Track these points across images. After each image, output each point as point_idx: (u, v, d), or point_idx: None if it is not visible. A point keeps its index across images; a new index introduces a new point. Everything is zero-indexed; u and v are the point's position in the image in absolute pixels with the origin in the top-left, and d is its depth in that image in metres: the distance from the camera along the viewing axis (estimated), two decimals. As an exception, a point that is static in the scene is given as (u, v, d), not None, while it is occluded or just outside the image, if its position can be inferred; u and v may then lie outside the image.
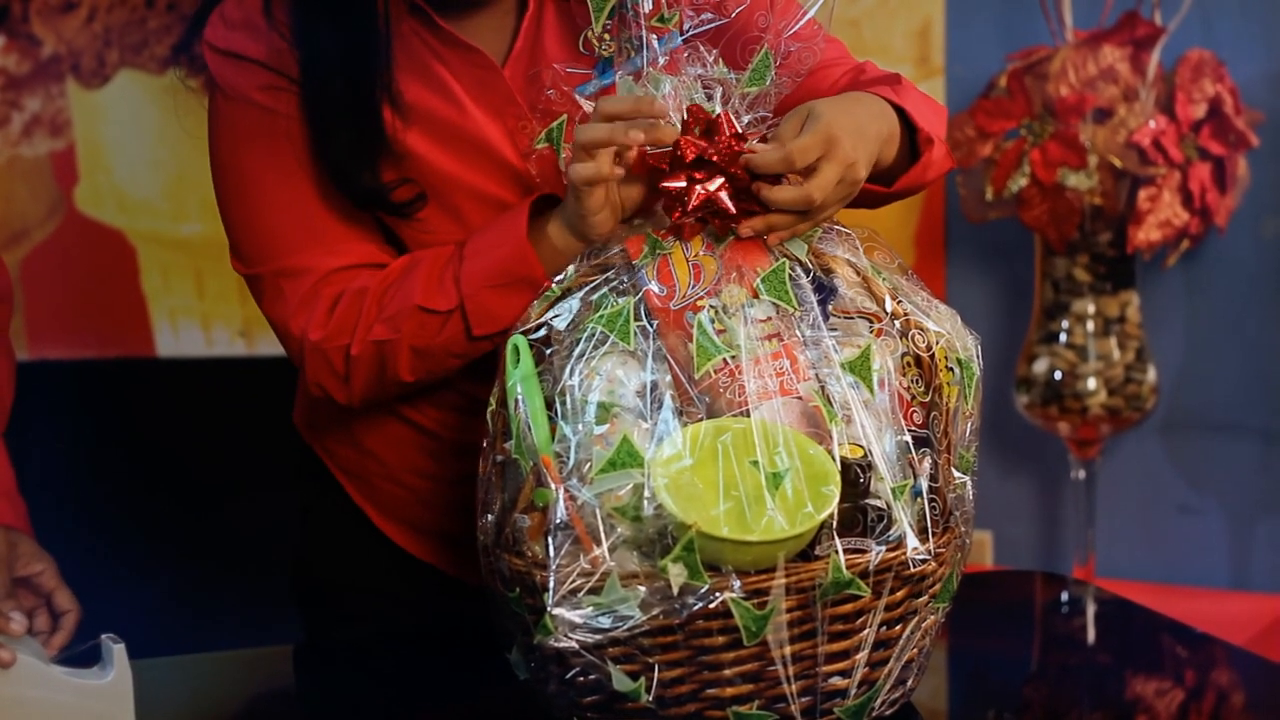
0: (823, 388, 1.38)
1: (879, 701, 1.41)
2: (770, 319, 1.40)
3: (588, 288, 1.43)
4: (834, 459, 1.34)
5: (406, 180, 1.61)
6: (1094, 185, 2.71)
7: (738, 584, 1.31)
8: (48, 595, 1.66)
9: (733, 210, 1.42)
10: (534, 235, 1.54)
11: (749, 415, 1.35)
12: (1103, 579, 2.86)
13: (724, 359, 1.37)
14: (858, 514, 1.35)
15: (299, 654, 1.80)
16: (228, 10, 1.62)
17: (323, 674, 1.72)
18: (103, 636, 1.52)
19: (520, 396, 1.38)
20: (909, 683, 1.44)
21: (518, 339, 1.41)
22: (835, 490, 1.33)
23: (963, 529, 1.43)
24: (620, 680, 1.34)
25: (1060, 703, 1.62)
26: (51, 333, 3.06)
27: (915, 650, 1.42)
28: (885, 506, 1.35)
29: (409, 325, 1.57)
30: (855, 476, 1.35)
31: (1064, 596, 1.99)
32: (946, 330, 1.42)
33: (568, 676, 1.36)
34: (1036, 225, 2.77)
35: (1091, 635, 1.85)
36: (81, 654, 1.63)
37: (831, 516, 1.32)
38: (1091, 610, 1.91)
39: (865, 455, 1.36)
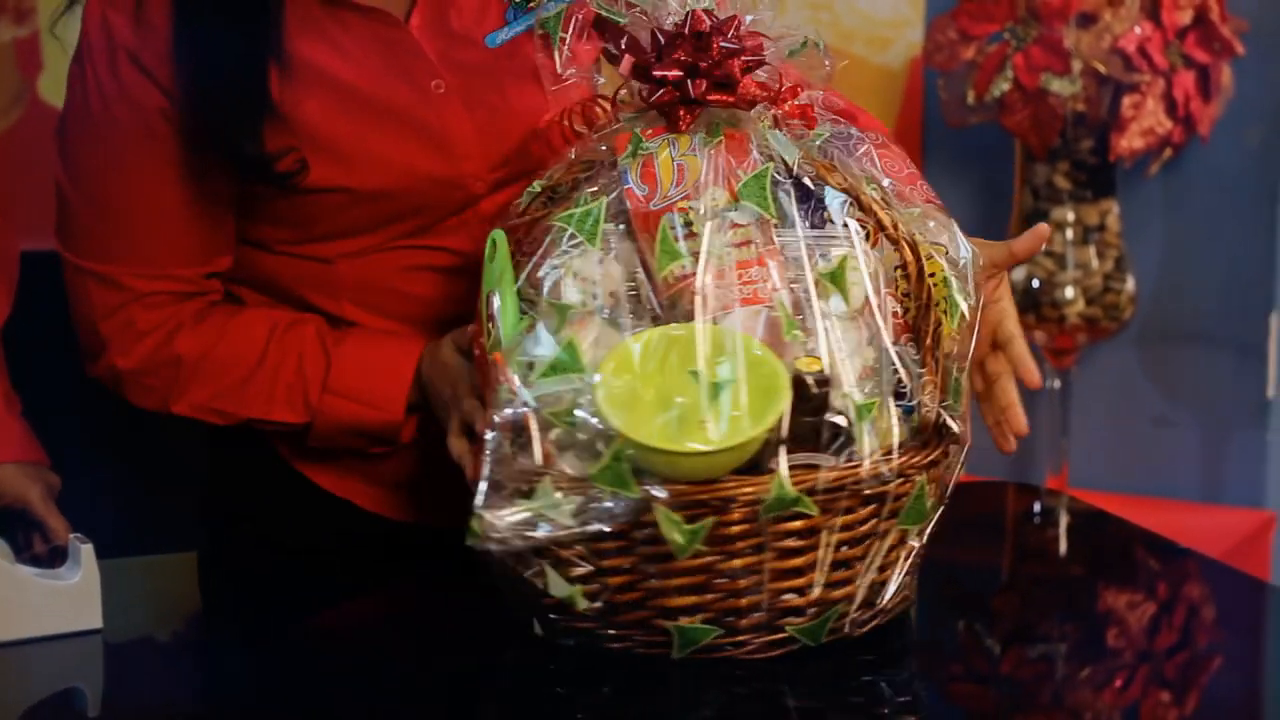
0: (793, 299, 1.33)
1: (846, 621, 1.37)
2: (749, 224, 1.34)
3: (574, 184, 1.40)
4: (787, 371, 1.29)
5: (291, 149, 1.52)
6: (1077, 91, 2.68)
7: (662, 495, 1.26)
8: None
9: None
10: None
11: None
12: (1075, 489, 2.86)
13: (683, 264, 1.33)
14: (816, 429, 1.30)
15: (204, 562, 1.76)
16: None
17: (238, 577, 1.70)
18: (70, 535, 1.50)
19: (494, 291, 1.35)
20: (880, 604, 1.39)
21: (497, 234, 1.36)
22: (783, 403, 1.27)
23: (945, 448, 1.40)
24: (556, 584, 1.31)
25: (1032, 614, 1.61)
26: (13, 224, 3.01)
27: (887, 572, 1.38)
28: (847, 423, 1.30)
29: (240, 416, 1.59)
30: (810, 390, 1.29)
31: (1036, 507, 1.98)
32: (944, 241, 1.38)
33: (525, 575, 1.33)
34: (1018, 131, 2.74)
35: (1064, 546, 1.84)
36: (48, 554, 1.61)
37: (775, 430, 1.27)
38: (1064, 521, 1.90)
39: (823, 369, 1.30)
